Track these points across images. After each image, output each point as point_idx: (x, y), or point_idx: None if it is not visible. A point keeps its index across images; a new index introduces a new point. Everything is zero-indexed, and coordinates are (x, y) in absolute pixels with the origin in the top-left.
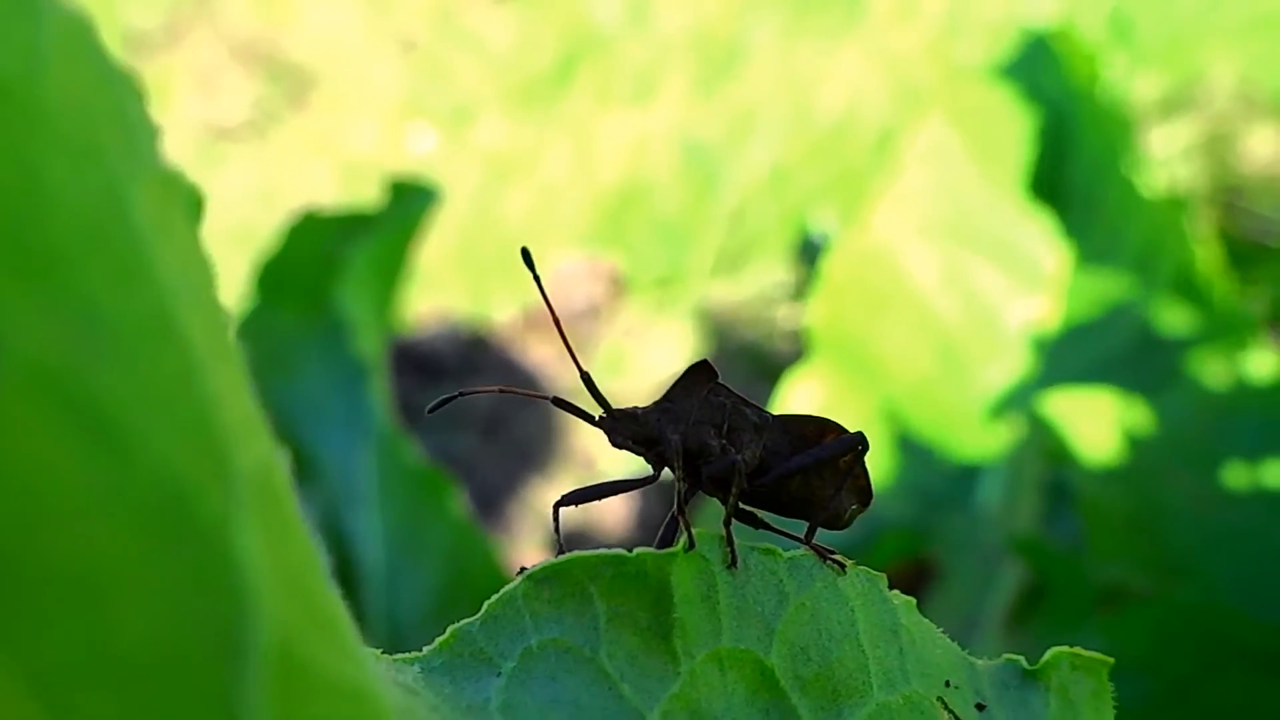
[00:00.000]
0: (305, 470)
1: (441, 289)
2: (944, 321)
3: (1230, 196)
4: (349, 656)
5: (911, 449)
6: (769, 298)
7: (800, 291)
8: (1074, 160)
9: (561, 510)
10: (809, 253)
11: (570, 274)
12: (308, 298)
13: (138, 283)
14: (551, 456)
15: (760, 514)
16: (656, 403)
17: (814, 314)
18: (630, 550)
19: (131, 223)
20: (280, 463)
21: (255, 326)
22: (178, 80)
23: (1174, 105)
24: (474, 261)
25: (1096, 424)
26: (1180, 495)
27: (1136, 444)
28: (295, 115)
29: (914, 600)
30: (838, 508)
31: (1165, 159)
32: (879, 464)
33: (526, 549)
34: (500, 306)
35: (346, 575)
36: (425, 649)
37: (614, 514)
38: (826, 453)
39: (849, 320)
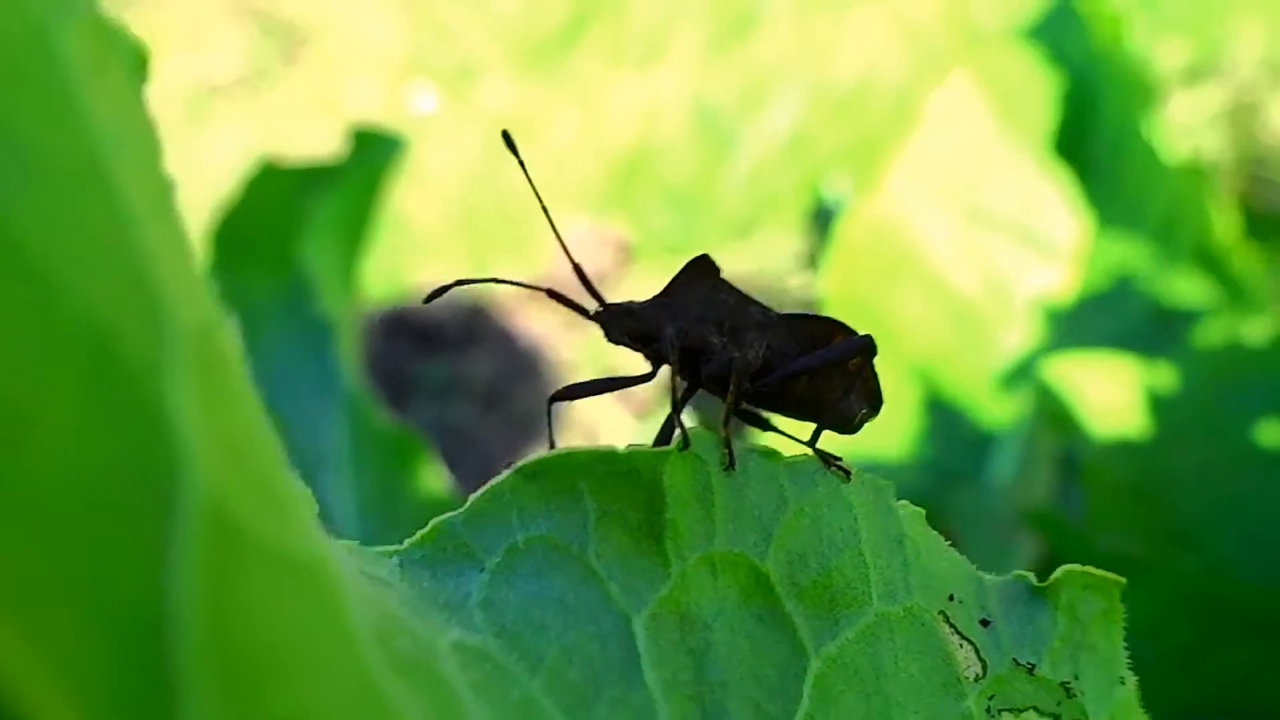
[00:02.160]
0: None
1: (442, 256)
2: (960, 289)
3: (1255, 167)
4: (297, 530)
5: (925, 418)
6: (783, 267)
7: (815, 260)
8: (1096, 126)
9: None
10: (824, 221)
11: (577, 241)
12: (269, 255)
13: (65, 123)
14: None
15: (766, 416)
16: (655, 297)
17: (826, 281)
18: (624, 448)
19: (59, 62)
20: (229, 334)
21: (215, 286)
22: (166, 34)
23: (1199, 73)
24: (476, 228)
25: (1106, 392)
26: (1187, 462)
27: (1145, 412)
28: (290, 72)
29: (922, 511)
30: (847, 410)
31: (1189, 127)
32: (894, 435)
33: None
34: (503, 276)
35: None
36: (405, 541)
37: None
38: (834, 354)
39: (862, 288)
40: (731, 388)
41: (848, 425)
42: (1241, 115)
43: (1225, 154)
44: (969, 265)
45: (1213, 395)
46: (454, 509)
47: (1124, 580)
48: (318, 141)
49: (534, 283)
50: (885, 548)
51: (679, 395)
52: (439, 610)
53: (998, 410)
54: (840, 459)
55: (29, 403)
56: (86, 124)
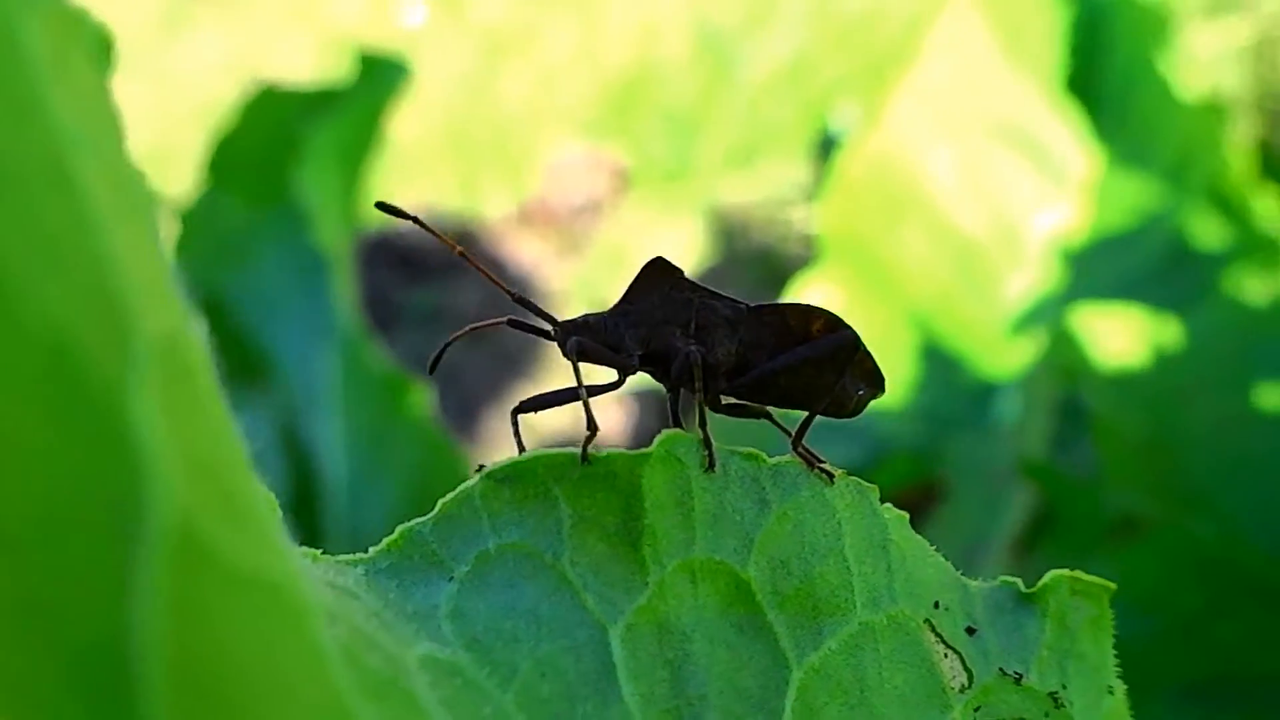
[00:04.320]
0: (261, 372)
1: (428, 178)
2: (964, 227)
3: (1278, 104)
4: (266, 548)
5: (925, 365)
6: (784, 198)
7: (818, 192)
8: (1107, 58)
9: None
10: (829, 150)
11: (569, 166)
12: (265, 183)
13: (29, 123)
14: (539, 363)
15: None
16: (614, 307)
17: (825, 216)
18: (600, 450)
19: (24, 58)
20: (195, 336)
21: (207, 213)
22: None
23: (1223, 5)
24: (464, 149)
25: (1119, 342)
26: (1201, 419)
27: (1159, 364)
28: None
29: (906, 515)
30: (842, 395)
31: (1210, 62)
32: (892, 381)
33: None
34: (493, 200)
35: (306, 487)
36: (371, 550)
37: (612, 428)
38: (814, 352)
39: (862, 224)
40: (697, 385)
41: (843, 410)
42: (1266, 50)
43: (1247, 90)
44: (974, 203)
45: (1229, 349)
46: (444, 452)
47: (1113, 586)
48: (301, 54)
49: (504, 284)
50: (869, 553)
51: (673, 403)
52: (407, 621)
53: (1001, 357)
54: (824, 460)
55: None
56: (51, 124)
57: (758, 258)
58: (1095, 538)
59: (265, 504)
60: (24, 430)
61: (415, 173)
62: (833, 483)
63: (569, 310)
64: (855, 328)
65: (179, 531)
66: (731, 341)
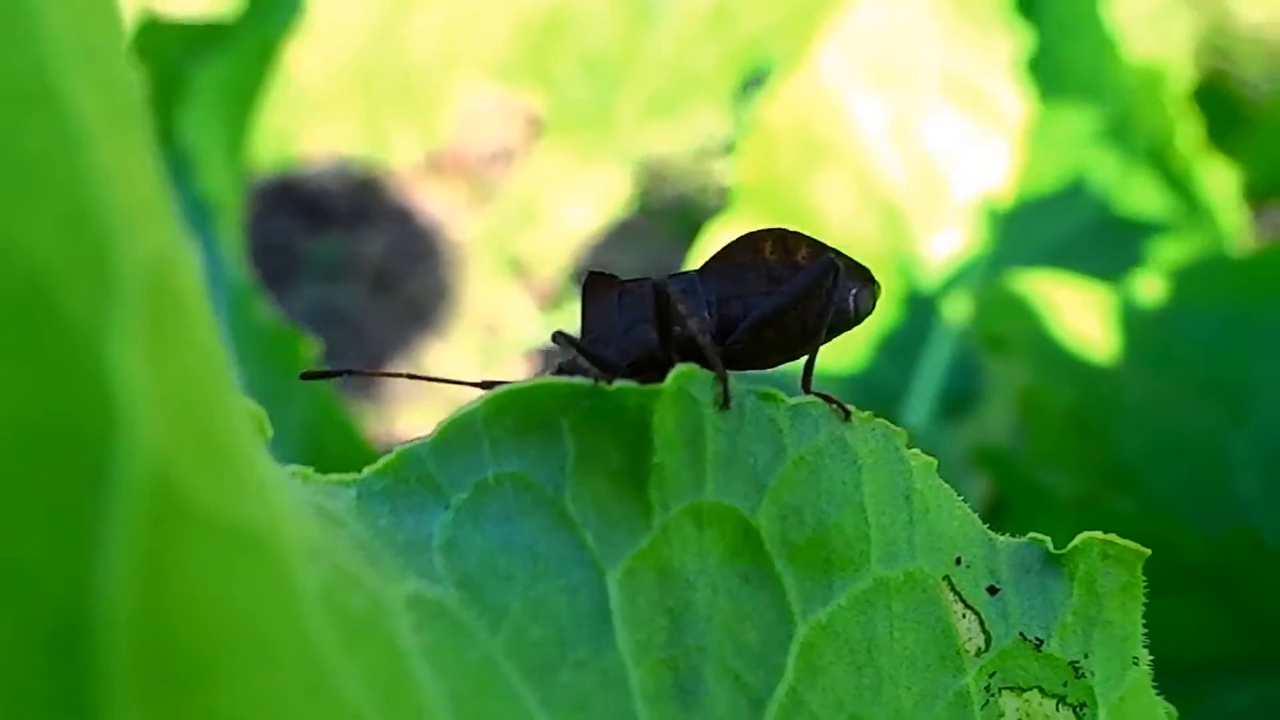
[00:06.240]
0: None
1: (333, 123)
2: (890, 181)
3: (1216, 59)
4: (247, 492)
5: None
6: (706, 149)
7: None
8: (1044, 6)
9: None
10: (752, 101)
11: (480, 112)
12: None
13: (9, 36)
14: (449, 317)
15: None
16: (583, 338)
17: (742, 162)
18: (610, 382)
19: None
20: (187, 256)
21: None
22: None
23: None
24: (371, 93)
25: (1048, 310)
26: (1132, 393)
27: (1088, 335)
28: None
29: (934, 461)
30: (842, 305)
31: (1147, 13)
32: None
33: (415, 419)
34: (400, 146)
35: None
36: (366, 469)
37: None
38: (798, 288)
39: (780, 171)
40: (695, 329)
41: (848, 319)
42: (1206, 1)
43: (1186, 44)
44: (902, 156)
45: (1163, 321)
46: (335, 411)
47: (1148, 551)
48: None
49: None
50: (890, 503)
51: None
52: (396, 553)
53: (928, 319)
54: (838, 399)
55: None
56: (35, 33)
57: (674, 210)
58: (1047, 526)
59: (249, 432)
60: None
61: (319, 118)
62: (849, 420)
63: (478, 263)
64: (817, 238)
65: (155, 481)
66: (701, 306)
